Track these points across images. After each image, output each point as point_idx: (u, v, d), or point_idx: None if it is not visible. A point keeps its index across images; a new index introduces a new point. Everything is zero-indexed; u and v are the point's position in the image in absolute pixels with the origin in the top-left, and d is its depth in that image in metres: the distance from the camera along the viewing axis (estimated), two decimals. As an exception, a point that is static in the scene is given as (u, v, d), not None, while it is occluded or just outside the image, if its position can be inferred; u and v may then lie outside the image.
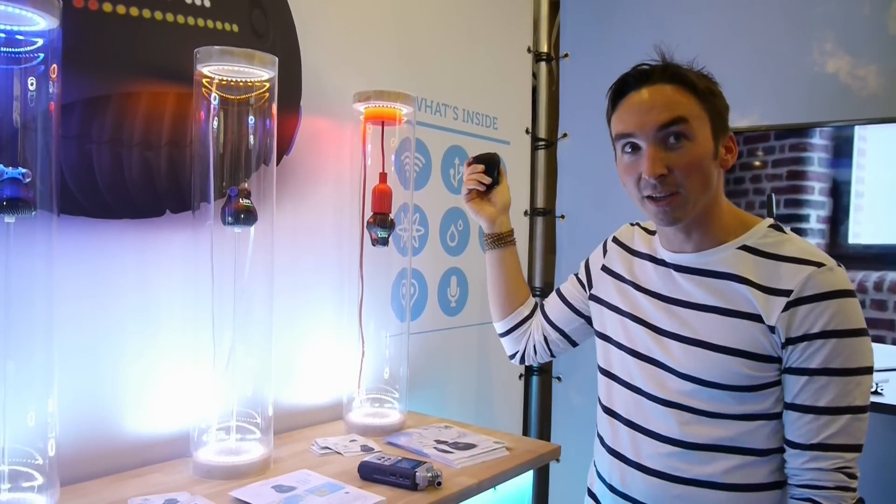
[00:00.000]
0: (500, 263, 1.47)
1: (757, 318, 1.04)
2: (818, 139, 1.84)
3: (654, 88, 1.07)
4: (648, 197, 1.07)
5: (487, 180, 1.43)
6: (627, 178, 1.10)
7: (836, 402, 1.00)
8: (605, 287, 1.28)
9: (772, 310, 1.03)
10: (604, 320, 1.27)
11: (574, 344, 1.42)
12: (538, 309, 1.47)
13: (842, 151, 1.82)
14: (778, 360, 1.04)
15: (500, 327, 1.49)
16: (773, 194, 1.84)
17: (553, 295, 1.44)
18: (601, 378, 1.26)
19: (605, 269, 1.30)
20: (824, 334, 1.00)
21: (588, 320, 1.35)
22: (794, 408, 1.04)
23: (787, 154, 1.87)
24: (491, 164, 1.43)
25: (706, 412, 1.08)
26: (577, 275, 1.39)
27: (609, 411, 1.23)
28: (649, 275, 1.19)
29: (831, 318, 1.00)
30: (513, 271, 1.47)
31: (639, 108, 1.07)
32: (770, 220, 1.12)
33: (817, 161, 1.84)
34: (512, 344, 1.48)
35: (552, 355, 1.45)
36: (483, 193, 1.45)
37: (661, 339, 1.14)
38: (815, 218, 1.82)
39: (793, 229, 1.15)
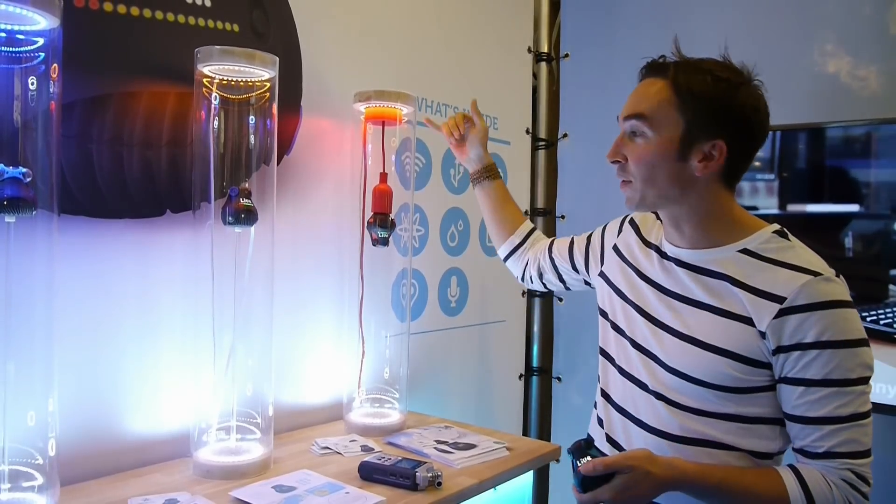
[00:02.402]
0: (486, 196, 1.60)
1: (748, 321, 1.04)
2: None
3: (647, 81, 1.10)
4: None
5: (457, 134, 1.58)
6: None
7: (838, 412, 0.99)
8: (612, 267, 1.29)
9: (762, 315, 1.02)
10: (607, 300, 1.28)
11: (567, 288, 1.53)
12: (533, 236, 1.59)
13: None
14: (767, 365, 1.04)
15: (500, 253, 1.63)
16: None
17: (566, 241, 1.49)
18: (600, 358, 1.28)
19: (615, 248, 1.30)
20: (818, 345, 0.99)
21: (583, 279, 1.44)
22: (794, 419, 1.03)
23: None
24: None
25: (691, 408, 1.09)
26: (589, 238, 1.42)
27: (605, 394, 1.25)
28: (654, 266, 1.20)
29: (825, 329, 0.99)
30: (499, 202, 1.59)
31: (631, 96, 1.12)
32: (776, 226, 1.11)
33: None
34: (514, 266, 1.61)
35: (546, 288, 1.57)
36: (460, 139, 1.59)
37: (658, 332, 1.15)
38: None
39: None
